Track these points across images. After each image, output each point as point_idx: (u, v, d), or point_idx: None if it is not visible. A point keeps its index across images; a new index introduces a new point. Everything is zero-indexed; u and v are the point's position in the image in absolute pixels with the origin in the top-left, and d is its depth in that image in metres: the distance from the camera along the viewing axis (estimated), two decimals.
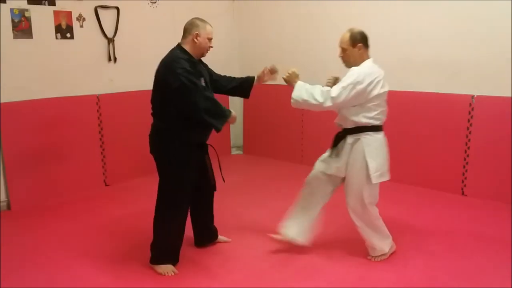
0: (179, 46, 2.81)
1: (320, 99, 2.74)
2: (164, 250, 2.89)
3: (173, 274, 2.83)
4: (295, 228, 3.08)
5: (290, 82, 2.89)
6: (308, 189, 3.08)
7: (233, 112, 2.79)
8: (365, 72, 2.73)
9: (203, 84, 2.77)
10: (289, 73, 2.89)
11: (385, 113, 2.87)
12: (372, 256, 3.02)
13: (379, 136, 2.85)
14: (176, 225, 2.86)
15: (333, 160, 2.94)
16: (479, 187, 4.13)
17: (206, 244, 3.23)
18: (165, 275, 2.83)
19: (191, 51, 2.79)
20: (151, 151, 2.90)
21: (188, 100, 2.63)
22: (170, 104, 2.71)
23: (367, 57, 2.85)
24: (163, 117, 2.81)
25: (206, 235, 3.23)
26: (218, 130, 2.72)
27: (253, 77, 3.13)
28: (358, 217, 2.94)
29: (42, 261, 3.06)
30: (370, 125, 2.79)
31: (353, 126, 2.82)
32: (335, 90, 2.71)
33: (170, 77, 2.64)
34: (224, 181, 3.10)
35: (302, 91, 2.80)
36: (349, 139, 2.85)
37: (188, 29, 2.79)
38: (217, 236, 3.28)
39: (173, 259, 2.91)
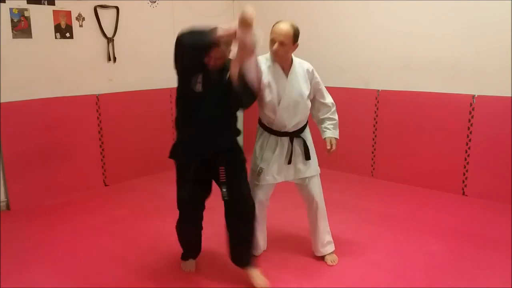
0: None
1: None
2: (182, 247, 2.93)
3: (189, 271, 2.89)
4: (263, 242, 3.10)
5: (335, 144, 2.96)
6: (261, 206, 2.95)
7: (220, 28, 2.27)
8: None
9: None
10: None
11: None
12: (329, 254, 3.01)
13: None
14: (180, 226, 2.83)
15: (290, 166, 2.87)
16: (480, 187, 4.12)
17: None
18: (184, 270, 2.90)
19: None
20: None
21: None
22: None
23: None
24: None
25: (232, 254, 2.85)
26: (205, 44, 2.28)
27: None
28: None
29: (42, 261, 3.05)
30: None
31: (304, 124, 2.91)
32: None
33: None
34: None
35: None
36: (296, 139, 2.88)
37: None
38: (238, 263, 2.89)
39: (187, 256, 2.93)
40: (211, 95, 2.48)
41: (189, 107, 2.52)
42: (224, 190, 2.59)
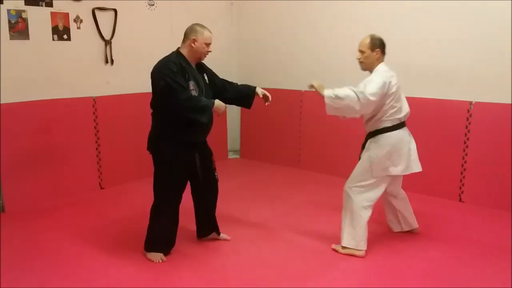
0: (176, 50, 2.96)
1: (359, 95, 2.90)
2: (154, 239, 3.08)
3: (161, 261, 3.02)
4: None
5: (319, 88, 3.03)
6: None
7: (216, 101, 2.90)
8: (385, 73, 3.02)
9: (192, 87, 2.87)
10: (313, 85, 3.05)
11: (402, 110, 3.10)
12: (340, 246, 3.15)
13: (395, 133, 3.07)
14: (164, 218, 3.04)
15: None
16: (477, 193, 4.13)
17: (206, 235, 3.35)
18: (153, 261, 3.02)
19: (188, 55, 2.94)
20: (147, 149, 3.06)
21: (171, 100, 2.79)
22: (159, 105, 2.91)
23: (382, 61, 3.11)
24: (155, 117, 2.99)
25: (206, 227, 3.34)
26: (203, 123, 2.87)
27: (255, 89, 3.20)
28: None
29: (36, 263, 3.02)
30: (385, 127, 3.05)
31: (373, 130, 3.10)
32: (370, 87, 2.91)
33: (157, 78, 2.84)
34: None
35: (337, 93, 2.95)
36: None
37: (187, 34, 2.94)
38: (217, 230, 3.36)
39: (162, 249, 3.08)
40: (203, 95, 2.94)
41: None
42: (216, 173, 3.19)
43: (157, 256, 3.04)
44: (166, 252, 3.09)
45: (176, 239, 3.14)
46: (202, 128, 2.99)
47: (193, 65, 2.98)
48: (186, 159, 2.98)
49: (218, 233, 3.36)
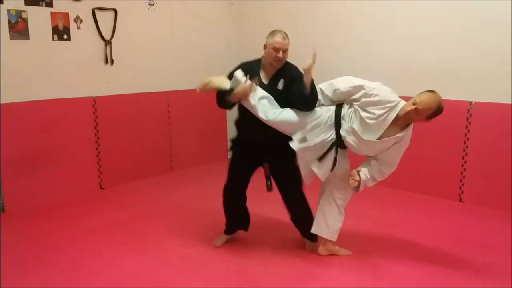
0: (262, 56, 3.06)
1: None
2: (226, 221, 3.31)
3: (219, 244, 3.26)
4: None
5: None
6: None
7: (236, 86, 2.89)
8: None
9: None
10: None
11: None
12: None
13: None
14: (225, 201, 3.22)
15: None
16: (477, 193, 4.13)
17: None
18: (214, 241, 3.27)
19: (264, 62, 3.02)
20: None
21: None
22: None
23: None
24: None
25: (300, 230, 3.29)
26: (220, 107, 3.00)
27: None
28: None
29: (36, 263, 3.03)
30: None
31: None
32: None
33: None
34: (270, 190, 3.19)
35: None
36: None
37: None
38: (306, 236, 3.24)
39: (226, 231, 3.32)
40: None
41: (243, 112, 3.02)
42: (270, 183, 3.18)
43: (219, 240, 3.28)
44: (228, 234, 3.31)
45: (236, 224, 3.31)
46: (247, 126, 3.03)
47: (270, 72, 2.98)
48: (239, 153, 3.11)
49: (310, 240, 3.22)
